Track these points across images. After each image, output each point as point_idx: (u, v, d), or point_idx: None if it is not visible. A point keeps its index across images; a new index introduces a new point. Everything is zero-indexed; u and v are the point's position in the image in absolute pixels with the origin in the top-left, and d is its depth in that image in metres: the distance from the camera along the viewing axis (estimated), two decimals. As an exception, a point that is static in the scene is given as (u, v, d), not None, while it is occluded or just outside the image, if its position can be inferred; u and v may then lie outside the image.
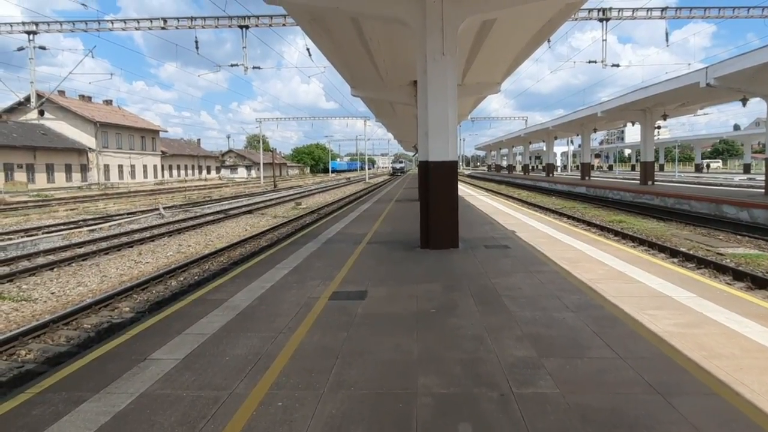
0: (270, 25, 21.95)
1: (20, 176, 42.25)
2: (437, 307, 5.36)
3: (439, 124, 8.63)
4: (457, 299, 5.64)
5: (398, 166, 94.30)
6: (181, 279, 10.46)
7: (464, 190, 30.94)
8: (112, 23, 23.61)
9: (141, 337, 4.58)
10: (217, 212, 23.98)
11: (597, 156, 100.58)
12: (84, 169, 50.89)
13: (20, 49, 24.62)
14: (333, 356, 4.00)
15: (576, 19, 21.19)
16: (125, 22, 23.70)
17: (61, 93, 53.16)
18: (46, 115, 50.90)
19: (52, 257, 12.67)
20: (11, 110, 50.06)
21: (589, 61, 24.73)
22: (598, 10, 21.09)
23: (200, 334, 4.61)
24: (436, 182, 8.79)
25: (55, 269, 11.39)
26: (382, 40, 12.96)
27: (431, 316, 5.02)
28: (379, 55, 14.57)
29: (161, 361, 3.98)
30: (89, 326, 7.53)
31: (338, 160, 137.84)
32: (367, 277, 6.88)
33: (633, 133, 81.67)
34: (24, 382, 4.31)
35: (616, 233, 14.70)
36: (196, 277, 10.58)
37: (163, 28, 23.07)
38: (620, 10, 21.34)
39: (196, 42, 22.89)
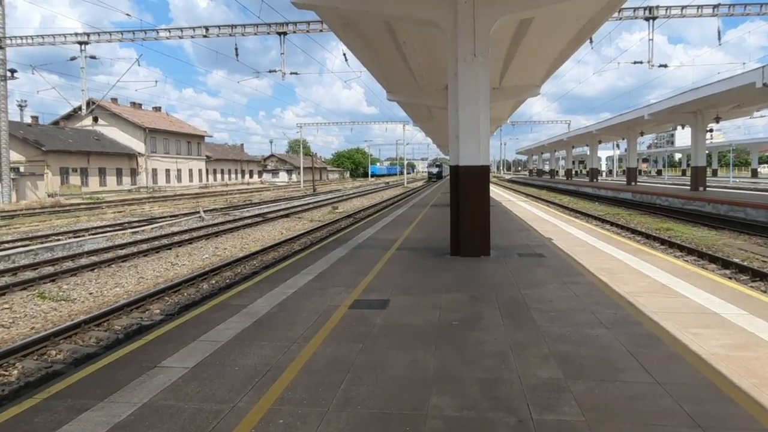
0: (308, 31, 22.17)
1: (75, 180, 44.34)
2: (461, 319, 5.09)
3: (471, 128, 8.35)
4: (482, 311, 5.36)
5: (434, 170, 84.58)
6: (213, 282, 10.55)
7: (503, 195, 30.29)
8: (158, 32, 24.45)
9: (156, 343, 4.54)
10: (256, 215, 24.32)
11: (645, 160, 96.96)
12: (134, 172, 52.96)
13: (73, 58, 25.84)
14: (344, 370, 3.82)
15: (620, 19, 20.34)
16: (170, 31, 24.45)
17: (114, 100, 55.62)
18: (100, 121, 53.38)
19: (94, 258, 13.07)
20: (68, 117, 52.72)
21: (635, 62, 23.66)
22: (644, 8, 20.17)
23: (214, 342, 4.52)
24: (467, 187, 8.50)
25: (95, 270, 11.72)
26: (416, 43, 12.77)
27: (453, 329, 4.77)
28: (413, 59, 14.38)
29: (170, 369, 3.90)
30: (119, 328, 7.65)
31: (378, 164, 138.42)
32: (391, 285, 6.68)
33: (683, 136, 78.26)
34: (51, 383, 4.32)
35: (663, 242, 13.93)
36: (227, 281, 10.65)
37: (205, 36, 23.69)
38: (668, 8, 20.33)
39: (236, 49, 23.38)
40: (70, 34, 25.77)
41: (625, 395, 3.32)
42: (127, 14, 43.95)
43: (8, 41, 28.80)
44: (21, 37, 27.86)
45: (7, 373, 5.99)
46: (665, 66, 22.73)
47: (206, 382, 3.64)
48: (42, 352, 6.58)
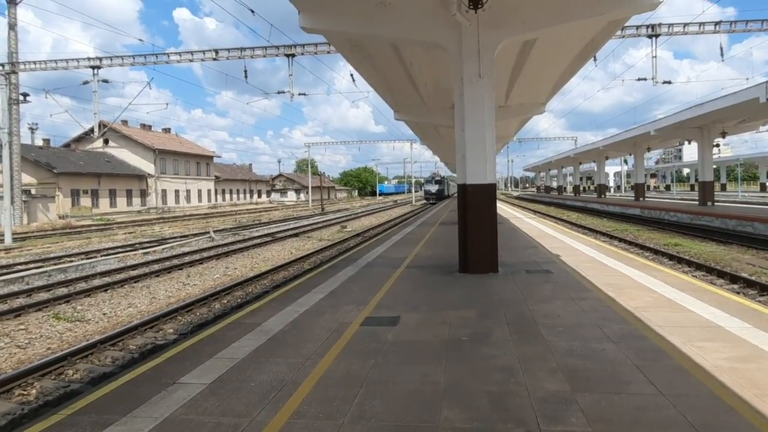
0: (315, 53, 22.66)
1: (86, 201, 44.99)
2: (470, 335, 5.20)
3: (477, 147, 8.53)
4: (491, 327, 5.46)
5: (433, 189, 64.27)
6: (225, 301, 10.69)
7: (511, 212, 30.36)
8: (169, 56, 25.08)
9: (174, 360, 4.67)
10: (265, 235, 24.53)
11: (653, 176, 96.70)
12: (143, 194, 53.62)
13: (85, 82, 26.50)
14: (358, 385, 3.94)
15: (623, 37, 20.62)
16: (180, 55, 25.08)
17: (125, 122, 56.61)
18: (110, 143, 54.20)
19: (107, 279, 13.27)
20: (79, 139, 53.69)
21: (639, 79, 23.92)
22: (647, 26, 20.44)
23: (230, 359, 4.66)
24: (474, 205, 8.65)
25: (108, 291, 11.91)
26: (423, 64, 13.05)
27: (462, 345, 4.87)
28: (420, 79, 14.67)
29: (189, 385, 4.03)
30: (134, 347, 7.79)
31: (386, 182, 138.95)
32: (401, 302, 6.79)
33: (691, 151, 78.06)
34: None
35: (671, 257, 13.94)
36: (239, 300, 10.79)
37: (215, 59, 24.28)
38: (670, 25, 20.60)
39: (245, 71, 23.91)
40: (83, 59, 26.44)
41: (631, 406, 3.41)
42: (140, 39, 45.33)
43: (22, 66, 29.55)
44: (34, 62, 28.62)
45: (25, 393, 6.13)
46: (669, 82, 22.93)
47: (224, 398, 3.77)
48: (59, 371, 6.72)
